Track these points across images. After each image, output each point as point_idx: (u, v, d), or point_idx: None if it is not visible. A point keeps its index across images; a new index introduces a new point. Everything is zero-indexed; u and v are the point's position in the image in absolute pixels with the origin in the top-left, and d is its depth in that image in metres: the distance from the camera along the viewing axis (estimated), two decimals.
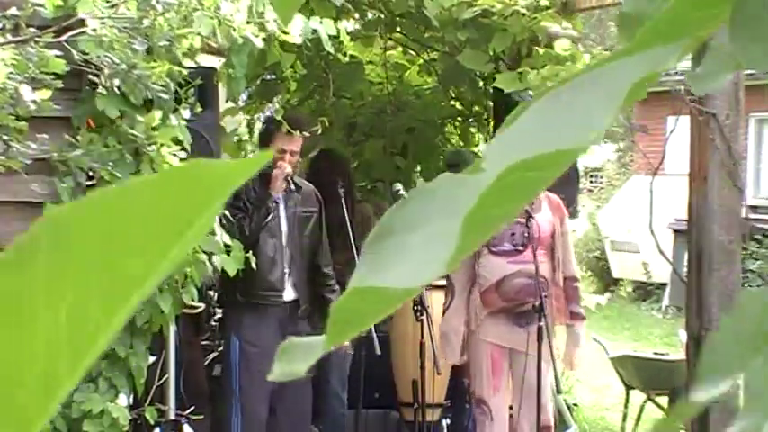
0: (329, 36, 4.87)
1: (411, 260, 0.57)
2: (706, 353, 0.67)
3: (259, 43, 4.43)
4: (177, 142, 4.42)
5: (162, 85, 4.30)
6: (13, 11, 4.04)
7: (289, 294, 5.55)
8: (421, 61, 7.53)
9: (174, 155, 4.36)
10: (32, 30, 4.05)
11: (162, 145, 4.35)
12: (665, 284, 15.15)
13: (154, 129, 4.33)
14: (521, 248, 5.30)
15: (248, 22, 4.36)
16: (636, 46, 0.61)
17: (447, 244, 0.56)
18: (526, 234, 5.27)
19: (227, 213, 5.09)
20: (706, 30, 0.63)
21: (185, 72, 4.45)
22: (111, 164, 4.37)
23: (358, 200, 6.87)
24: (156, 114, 4.33)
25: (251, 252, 5.16)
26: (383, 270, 0.57)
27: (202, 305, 6.00)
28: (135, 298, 0.52)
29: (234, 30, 4.30)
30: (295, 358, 0.62)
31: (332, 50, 5.41)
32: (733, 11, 0.62)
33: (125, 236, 0.51)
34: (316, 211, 5.68)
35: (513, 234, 5.32)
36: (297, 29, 4.64)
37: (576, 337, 5.49)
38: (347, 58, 7.17)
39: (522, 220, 5.29)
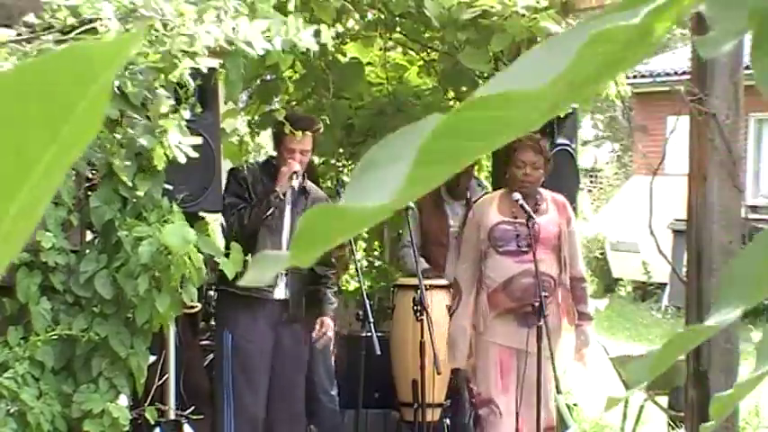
0: (319, 43, 4.87)
1: (374, 187, 0.61)
2: (723, 282, 0.69)
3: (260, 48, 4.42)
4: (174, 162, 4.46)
5: (162, 86, 4.32)
6: (30, 17, 4.05)
7: (281, 293, 5.56)
8: (421, 61, 7.52)
9: (178, 146, 4.39)
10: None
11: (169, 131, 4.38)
12: (664, 284, 15.15)
13: (164, 115, 4.36)
14: (526, 249, 5.32)
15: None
16: (611, 9, 0.64)
17: (403, 173, 0.59)
18: (531, 235, 5.30)
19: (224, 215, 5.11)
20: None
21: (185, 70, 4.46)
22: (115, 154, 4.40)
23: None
24: (165, 101, 4.36)
25: (249, 244, 5.19)
26: (349, 197, 0.61)
27: (199, 305, 6.00)
28: (37, 171, 0.57)
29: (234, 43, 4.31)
30: (264, 267, 0.65)
31: (325, 53, 5.42)
32: (755, 36, 0.64)
33: (22, 113, 0.55)
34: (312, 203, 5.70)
35: (518, 235, 5.35)
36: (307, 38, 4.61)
37: (586, 337, 5.51)
38: (347, 59, 7.17)
39: (526, 221, 5.31)
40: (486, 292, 5.36)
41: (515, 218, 5.38)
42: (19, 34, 4.02)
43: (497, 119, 0.60)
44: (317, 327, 5.67)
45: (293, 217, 5.58)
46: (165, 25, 4.18)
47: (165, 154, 4.42)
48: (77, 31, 4.09)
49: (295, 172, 5.44)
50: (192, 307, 5.51)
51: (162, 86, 4.35)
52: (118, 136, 4.45)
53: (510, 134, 0.63)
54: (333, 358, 6.33)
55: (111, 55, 0.57)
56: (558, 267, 5.42)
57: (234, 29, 4.33)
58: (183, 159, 4.42)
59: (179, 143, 4.38)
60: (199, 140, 4.66)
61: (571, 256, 5.49)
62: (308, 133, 5.50)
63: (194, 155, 4.53)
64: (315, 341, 5.74)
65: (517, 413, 5.40)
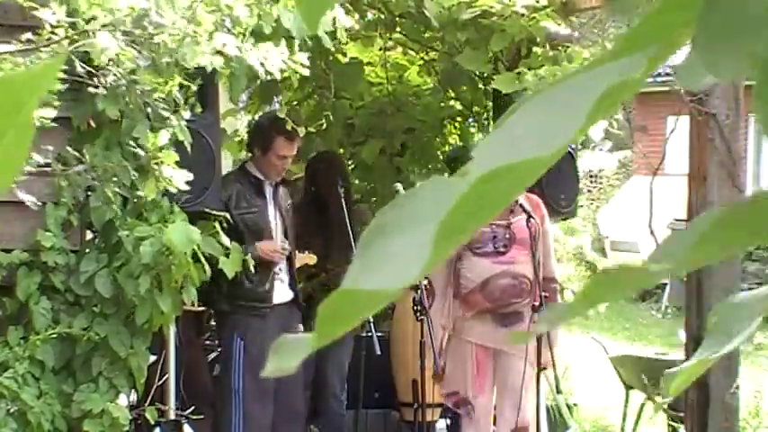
0: (327, 33, 4.86)
1: (395, 263, 0.59)
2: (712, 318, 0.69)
3: (261, 71, 4.40)
4: (179, 164, 4.44)
5: (164, 100, 4.33)
6: (28, 35, 4.04)
7: (287, 295, 5.56)
8: (421, 61, 7.53)
9: (179, 177, 4.41)
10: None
11: (167, 164, 4.39)
12: (665, 284, 15.15)
13: (161, 149, 4.36)
14: (503, 250, 5.31)
15: (254, 45, 4.35)
16: (610, 54, 0.63)
17: (425, 249, 0.58)
18: (508, 236, 5.29)
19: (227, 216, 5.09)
20: (679, 36, 0.64)
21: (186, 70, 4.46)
22: (114, 180, 4.41)
23: (356, 200, 6.90)
24: (163, 136, 4.36)
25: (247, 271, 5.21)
26: (370, 272, 0.59)
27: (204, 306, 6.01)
28: None
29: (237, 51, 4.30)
30: (287, 354, 0.64)
31: (332, 48, 5.42)
32: (698, 22, 0.63)
33: None
34: (290, 200, 5.77)
35: (495, 237, 5.33)
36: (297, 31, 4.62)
37: (552, 338, 5.47)
38: (347, 59, 7.17)
39: (504, 223, 5.30)
40: (463, 292, 5.34)
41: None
42: (24, 40, 4.03)
43: (511, 186, 0.60)
44: None
45: (282, 215, 5.64)
46: (183, 36, 4.17)
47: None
48: (77, 45, 4.09)
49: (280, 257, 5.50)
50: (198, 305, 5.51)
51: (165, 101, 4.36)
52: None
53: (516, 195, 0.63)
54: (347, 363, 6.31)
55: (33, 84, 0.57)
56: (532, 268, 5.40)
57: (244, 37, 4.32)
58: (182, 186, 4.43)
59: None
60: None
61: (545, 256, 5.47)
62: (297, 139, 5.57)
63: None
64: None
65: (497, 414, 5.41)
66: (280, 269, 5.55)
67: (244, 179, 5.55)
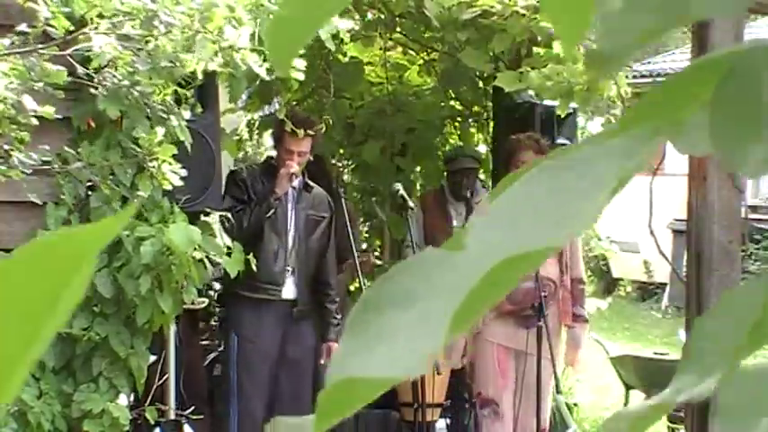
0: (330, 35, 4.87)
1: (397, 344, 0.56)
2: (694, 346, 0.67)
3: (262, 72, 4.40)
4: (177, 158, 4.43)
5: (162, 103, 4.33)
6: (22, 27, 4.04)
7: (289, 292, 5.56)
8: (421, 61, 7.53)
9: (175, 172, 4.38)
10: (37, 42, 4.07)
11: (163, 161, 4.37)
12: (665, 284, 15.16)
13: (159, 143, 4.36)
14: None
15: (252, 50, 4.34)
16: (621, 128, 0.61)
17: (434, 332, 0.55)
18: None
19: (227, 214, 5.08)
20: (683, 111, 0.63)
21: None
22: (111, 177, 4.41)
23: (356, 199, 6.90)
24: (160, 131, 4.35)
25: (254, 245, 5.21)
26: (368, 354, 0.56)
27: (205, 300, 6.00)
28: (18, 373, 0.53)
29: (236, 52, 4.30)
30: None
31: (333, 49, 5.42)
32: (711, 110, 0.61)
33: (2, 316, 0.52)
34: (326, 217, 5.70)
35: None
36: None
37: (577, 339, 5.50)
38: (347, 59, 7.17)
39: None
40: None
41: None
42: (13, 43, 4.02)
43: (522, 270, 0.58)
44: (325, 354, 5.65)
45: (297, 214, 5.59)
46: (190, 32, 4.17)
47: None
48: (75, 47, 4.09)
49: (293, 173, 5.44)
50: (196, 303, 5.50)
51: (162, 105, 4.36)
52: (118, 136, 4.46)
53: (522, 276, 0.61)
54: None
55: (88, 245, 0.53)
56: (559, 270, 5.41)
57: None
58: (177, 181, 4.41)
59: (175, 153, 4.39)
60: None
61: (572, 258, 5.49)
62: (306, 134, 5.48)
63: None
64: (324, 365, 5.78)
65: (515, 414, 5.40)
66: (288, 268, 5.55)
67: (264, 168, 5.61)
